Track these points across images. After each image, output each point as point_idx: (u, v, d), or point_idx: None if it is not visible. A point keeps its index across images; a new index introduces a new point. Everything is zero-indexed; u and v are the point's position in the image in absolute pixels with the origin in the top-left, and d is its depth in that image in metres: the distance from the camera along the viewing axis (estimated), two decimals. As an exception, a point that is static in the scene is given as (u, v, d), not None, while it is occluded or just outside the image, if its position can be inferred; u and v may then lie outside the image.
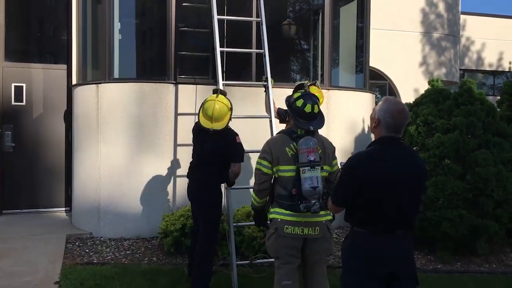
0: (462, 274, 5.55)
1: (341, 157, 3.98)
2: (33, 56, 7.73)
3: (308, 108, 3.68)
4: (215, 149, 4.56)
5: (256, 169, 3.77)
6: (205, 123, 4.54)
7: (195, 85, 6.38)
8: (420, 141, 6.17)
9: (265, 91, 5.52)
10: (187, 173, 4.86)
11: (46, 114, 7.45)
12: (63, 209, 7.48)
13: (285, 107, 4.27)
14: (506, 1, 45.53)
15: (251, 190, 4.06)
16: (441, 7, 14.96)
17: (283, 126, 4.89)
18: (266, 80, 5.50)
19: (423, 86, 9.19)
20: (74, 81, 7.15)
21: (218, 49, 5.52)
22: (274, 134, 4.99)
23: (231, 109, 4.63)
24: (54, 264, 5.23)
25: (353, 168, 2.85)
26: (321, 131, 3.88)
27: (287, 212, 3.60)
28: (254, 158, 5.98)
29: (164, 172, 6.26)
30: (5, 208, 7.25)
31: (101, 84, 6.34)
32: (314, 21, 7.86)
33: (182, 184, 6.06)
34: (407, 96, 13.20)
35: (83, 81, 6.92)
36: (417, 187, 2.90)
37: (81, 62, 7.12)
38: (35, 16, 7.85)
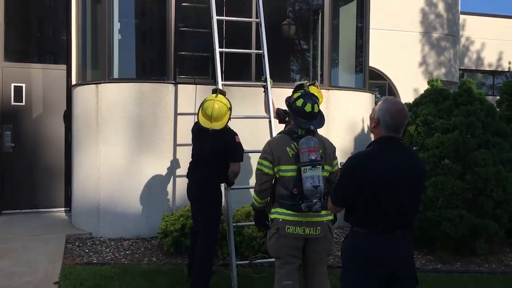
0: (461, 274, 5.56)
1: (341, 157, 3.99)
2: (33, 56, 7.74)
3: (308, 108, 3.70)
4: (214, 149, 4.56)
5: (257, 169, 3.77)
6: (204, 123, 4.54)
7: (194, 85, 6.38)
8: (420, 141, 6.17)
9: (264, 91, 5.52)
10: (187, 173, 4.86)
11: (45, 114, 7.45)
12: (63, 209, 7.48)
13: (284, 107, 4.28)
14: (506, 1, 45.56)
15: (251, 190, 4.06)
16: (441, 7, 14.96)
17: (282, 126, 4.90)
18: (265, 81, 5.50)
19: (423, 86, 9.20)
20: (73, 81, 7.15)
21: (217, 50, 5.53)
22: (274, 134, 5.01)
23: (230, 108, 4.64)
24: (54, 264, 5.23)
25: (353, 168, 2.85)
26: (320, 131, 3.89)
27: (289, 212, 3.61)
28: (253, 158, 6.01)
29: (163, 172, 6.27)
30: (5, 208, 7.25)
31: (101, 84, 6.34)
32: (313, 21, 7.86)
33: (181, 184, 6.06)
34: (406, 96, 13.21)
35: (82, 81, 6.92)
36: (417, 187, 2.90)
37: (80, 62, 7.12)
38: (35, 16, 7.85)
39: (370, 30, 7.99)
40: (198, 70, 7.10)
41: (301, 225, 3.59)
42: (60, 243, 5.95)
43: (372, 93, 8.01)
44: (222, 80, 5.45)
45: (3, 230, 6.40)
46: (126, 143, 6.21)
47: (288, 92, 4.09)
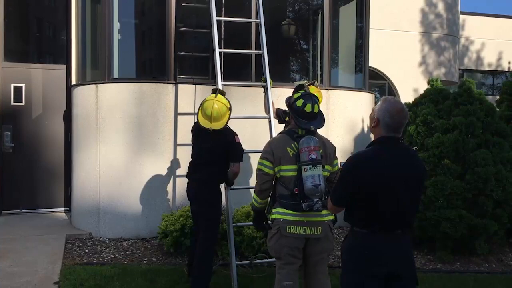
0: (461, 274, 5.56)
1: (340, 157, 3.99)
2: (33, 56, 7.74)
3: (308, 108, 3.71)
4: (214, 149, 4.56)
5: (258, 169, 3.78)
6: (204, 123, 4.54)
7: (194, 85, 6.38)
8: (420, 141, 6.17)
9: (264, 91, 5.52)
10: (187, 173, 4.87)
11: (45, 114, 7.45)
12: (63, 209, 7.48)
13: (284, 107, 4.28)
14: (506, 1, 45.57)
15: (251, 190, 4.06)
16: (441, 7, 14.97)
17: (282, 127, 4.90)
18: (265, 81, 5.50)
19: (423, 86, 9.20)
20: (73, 81, 7.14)
21: (217, 50, 5.53)
22: (274, 134, 5.01)
23: (230, 109, 4.64)
24: (54, 265, 5.23)
25: (353, 168, 2.85)
26: (320, 131, 3.89)
27: (290, 212, 3.61)
28: (253, 158, 6.00)
29: (163, 172, 6.26)
30: (5, 208, 7.25)
31: (101, 84, 6.34)
32: (313, 21, 7.86)
33: (181, 184, 6.06)
34: (406, 96, 13.21)
35: (82, 81, 6.92)
36: (417, 187, 2.90)
37: (80, 62, 7.12)
38: (35, 16, 7.85)
39: (370, 30, 7.99)
40: (198, 70, 7.10)
41: (302, 225, 3.59)
42: (60, 243, 5.94)
43: (372, 93, 8.01)
44: (222, 80, 5.45)
45: (3, 230, 6.39)
46: (126, 143, 6.21)
47: (288, 92, 4.09)
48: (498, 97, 7.99)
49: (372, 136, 3.00)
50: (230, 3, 6.60)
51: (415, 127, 6.24)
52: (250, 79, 6.58)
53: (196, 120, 4.72)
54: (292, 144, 3.67)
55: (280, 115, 5.16)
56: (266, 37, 5.77)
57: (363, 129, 7.36)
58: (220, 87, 5.27)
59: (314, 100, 3.77)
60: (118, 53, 6.56)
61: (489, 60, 18.60)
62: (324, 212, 3.60)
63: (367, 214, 2.81)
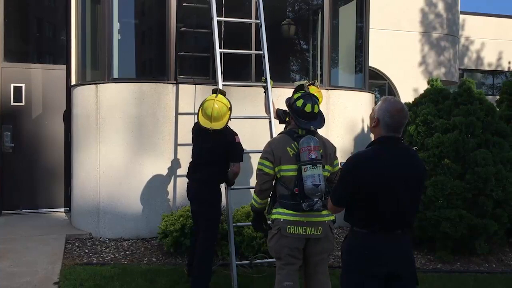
0: (461, 273, 5.56)
1: (340, 157, 4.00)
2: (32, 57, 7.74)
3: (308, 108, 3.71)
4: (214, 149, 4.56)
5: (258, 169, 3.78)
6: (204, 123, 4.55)
7: (194, 85, 6.38)
8: (420, 141, 6.17)
9: (264, 92, 5.52)
10: (187, 173, 4.87)
11: (45, 114, 7.45)
12: (63, 209, 7.48)
13: (284, 108, 4.29)
14: (506, 1, 45.56)
15: (251, 190, 4.06)
16: (440, 6, 14.97)
17: (282, 127, 4.90)
18: (266, 81, 5.50)
19: (423, 86, 9.20)
20: (73, 81, 7.14)
21: (218, 50, 5.53)
22: (274, 134, 5.01)
23: (230, 108, 4.64)
24: (54, 265, 5.22)
25: (353, 168, 2.85)
26: (320, 131, 3.89)
27: (290, 212, 3.61)
28: (253, 158, 6.01)
29: (163, 172, 6.26)
30: (5, 208, 7.25)
31: (101, 84, 6.34)
32: (313, 21, 7.86)
33: (181, 184, 6.06)
34: (406, 95, 13.21)
35: (82, 81, 6.92)
36: (416, 187, 2.90)
37: (80, 62, 7.11)
38: (34, 17, 7.84)
39: (370, 30, 7.99)
40: (198, 70, 7.10)
41: (302, 225, 3.59)
42: (60, 243, 5.94)
43: (372, 93, 8.01)
44: (222, 80, 5.46)
45: (3, 230, 6.39)
46: (126, 143, 6.21)
47: (288, 92, 4.09)
48: (498, 97, 7.99)
49: (372, 136, 3.00)
50: (231, 4, 6.60)
51: (415, 127, 6.24)
52: (250, 79, 6.58)
53: (196, 120, 4.72)
54: (292, 144, 3.68)
55: (281, 115, 5.16)
56: (266, 37, 5.77)
57: (363, 129, 7.36)
58: (220, 87, 5.27)
59: (314, 100, 3.78)
60: (118, 53, 6.56)
61: (489, 60, 18.60)
62: (324, 212, 3.60)
63: (367, 214, 2.81)
